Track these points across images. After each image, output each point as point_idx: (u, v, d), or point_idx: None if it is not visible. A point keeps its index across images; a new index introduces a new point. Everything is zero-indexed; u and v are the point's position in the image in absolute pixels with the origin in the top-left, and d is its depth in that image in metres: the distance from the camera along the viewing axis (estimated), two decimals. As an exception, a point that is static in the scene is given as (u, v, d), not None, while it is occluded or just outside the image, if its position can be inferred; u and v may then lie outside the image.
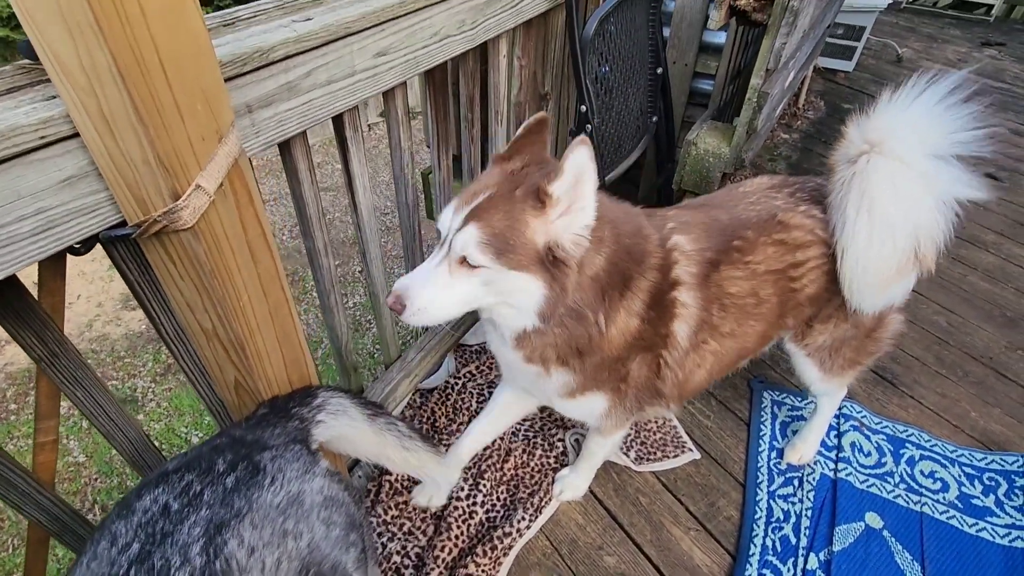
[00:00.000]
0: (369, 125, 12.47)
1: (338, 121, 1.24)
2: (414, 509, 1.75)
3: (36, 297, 0.89)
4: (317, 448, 1.02)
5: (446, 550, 1.64)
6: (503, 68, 1.74)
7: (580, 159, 0.93)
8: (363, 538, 0.94)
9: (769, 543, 1.71)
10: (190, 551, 0.72)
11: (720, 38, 2.32)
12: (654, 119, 2.44)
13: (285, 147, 1.16)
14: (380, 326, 1.83)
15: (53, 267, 0.91)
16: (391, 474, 1.79)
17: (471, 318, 2.17)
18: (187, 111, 0.73)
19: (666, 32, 2.40)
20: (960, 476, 1.91)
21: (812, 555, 1.68)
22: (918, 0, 6.42)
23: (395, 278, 1.12)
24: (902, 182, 1.25)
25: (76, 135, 0.70)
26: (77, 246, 0.85)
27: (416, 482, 1.80)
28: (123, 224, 0.80)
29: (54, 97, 0.69)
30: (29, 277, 0.84)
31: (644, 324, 1.20)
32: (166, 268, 0.87)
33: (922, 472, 1.92)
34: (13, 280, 0.82)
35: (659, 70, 2.31)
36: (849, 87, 4.53)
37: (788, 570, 1.65)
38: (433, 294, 1.05)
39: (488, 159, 1.98)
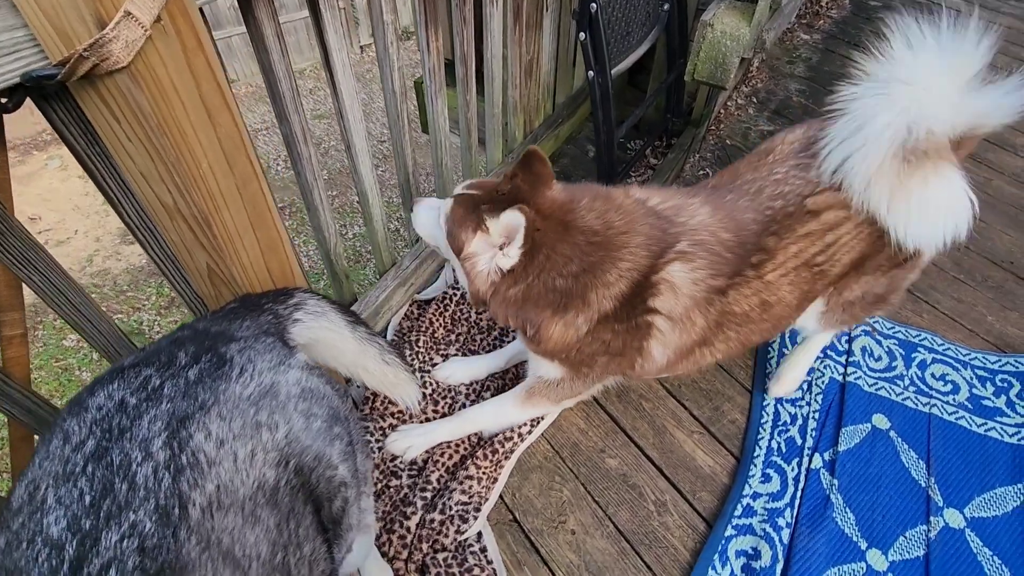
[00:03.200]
0: (361, 47, 11.83)
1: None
2: (410, 417, 1.72)
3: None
4: (295, 347, 0.94)
5: (445, 455, 1.62)
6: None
7: (512, 221, 1.14)
8: (350, 431, 0.89)
9: (775, 445, 1.69)
10: (152, 445, 0.65)
11: (742, -92, 2.06)
12: (665, 6, 2.21)
13: (247, 8, 1.01)
14: (371, 230, 1.73)
15: (-19, 129, 0.80)
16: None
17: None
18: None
19: (681, -97, 2.13)
20: (972, 378, 1.86)
21: (817, 455, 1.66)
22: None
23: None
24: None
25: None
26: (3, 100, 0.74)
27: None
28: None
29: None
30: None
31: (599, 334, 1.28)
32: (109, 127, 0.76)
33: (933, 375, 1.88)
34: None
35: (672, -53, 2.07)
36: (877, -17, 4.15)
37: (792, 469, 1.64)
38: (424, 220, 1.40)
39: (485, 42, 1.80)
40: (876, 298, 1.45)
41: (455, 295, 2.00)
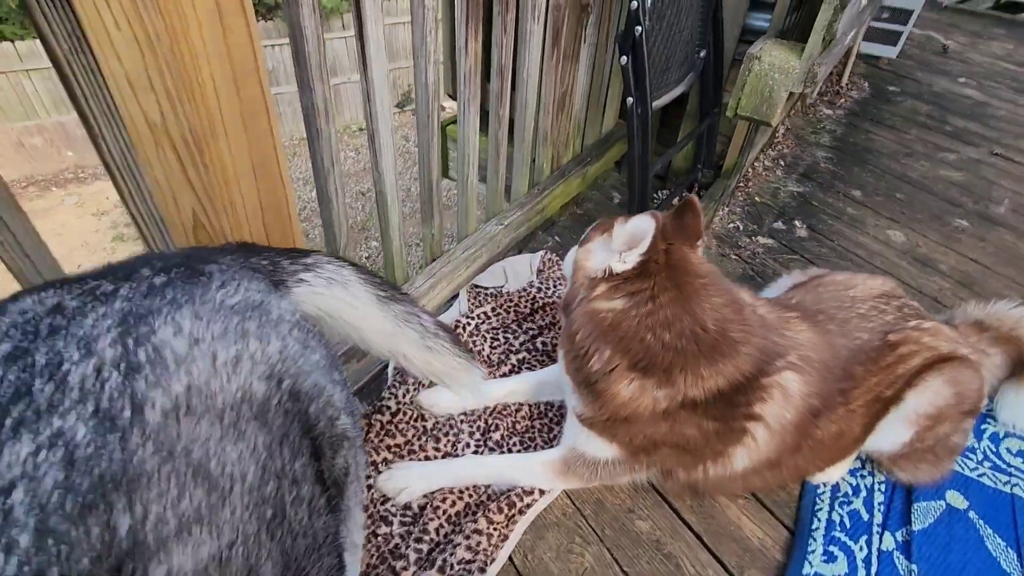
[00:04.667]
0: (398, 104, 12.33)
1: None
2: (408, 453, 1.48)
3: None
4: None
5: (447, 501, 1.36)
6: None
7: (644, 226, 1.12)
8: (350, 398, 0.69)
9: (836, 518, 1.42)
10: (96, 344, 0.49)
11: (782, -36, 2.08)
12: (702, 53, 2.19)
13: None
14: (386, 240, 1.57)
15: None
16: (382, 414, 1.52)
17: (487, 258, 1.91)
18: None
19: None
20: (1054, 458, 1.62)
21: (888, 534, 1.40)
22: (965, 2, 6.19)
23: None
24: None
25: None
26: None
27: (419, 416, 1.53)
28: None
29: None
30: None
31: (681, 423, 1.18)
32: (96, 9, 0.62)
33: (1009, 450, 1.64)
34: None
35: (712, -6, 2.06)
36: (893, 72, 4.28)
37: (861, 549, 1.37)
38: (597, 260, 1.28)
39: (521, 57, 1.73)
40: (949, 451, 1.40)
41: (468, 324, 1.81)
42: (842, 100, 3.76)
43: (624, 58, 1.72)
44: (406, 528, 1.31)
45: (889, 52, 4.45)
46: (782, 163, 3.01)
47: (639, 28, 1.65)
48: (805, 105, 3.63)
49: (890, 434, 1.34)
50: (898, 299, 1.43)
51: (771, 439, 1.22)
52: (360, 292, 0.88)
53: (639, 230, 1.13)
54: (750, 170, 2.88)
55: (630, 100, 1.78)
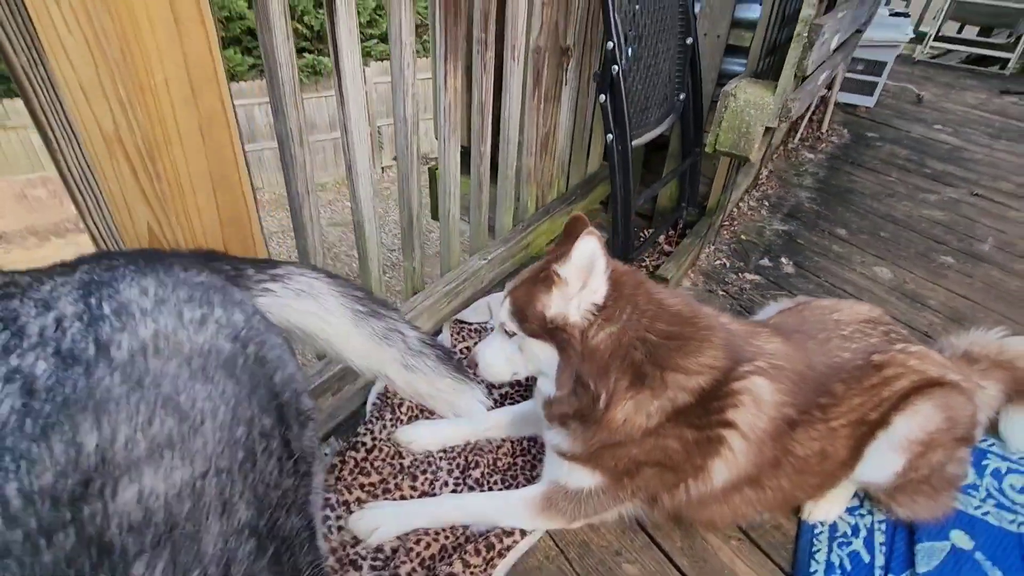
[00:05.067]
0: (383, 168, 12.63)
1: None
2: (384, 492, 1.40)
3: None
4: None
5: (422, 543, 1.28)
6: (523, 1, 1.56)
7: (587, 247, 1.06)
8: (309, 394, 0.67)
9: (835, 560, 1.34)
10: (56, 303, 0.52)
11: (754, 12, 2.18)
12: (681, 96, 2.25)
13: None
14: (364, 269, 1.55)
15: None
16: (357, 450, 1.45)
17: (471, 293, 1.89)
18: None
19: (697, 7, 2.26)
20: (1060, 495, 1.55)
21: (891, 577, 1.31)
22: (937, 57, 6.49)
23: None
24: None
25: None
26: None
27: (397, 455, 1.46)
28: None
29: None
30: None
31: (664, 436, 1.18)
32: (47, 10, 0.62)
33: (1012, 487, 1.57)
34: None
35: (689, 40, 2.14)
36: (872, 120, 4.42)
37: (863, 593, 1.28)
38: (491, 355, 1.25)
39: (503, 97, 1.77)
40: (946, 482, 1.35)
41: (450, 360, 1.76)
42: (823, 145, 3.86)
43: (603, 96, 1.76)
44: (376, 573, 1.22)
45: (867, 101, 4.62)
46: (767, 203, 3.04)
47: (615, 67, 1.70)
48: (787, 149, 3.72)
49: (881, 462, 1.28)
50: (885, 325, 1.41)
51: (747, 448, 1.19)
52: (333, 306, 0.85)
53: (586, 255, 1.07)
54: (735, 210, 2.91)
55: (609, 137, 1.81)
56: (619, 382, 1.14)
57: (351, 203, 1.40)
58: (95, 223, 0.84)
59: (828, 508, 1.43)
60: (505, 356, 1.23)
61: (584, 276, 1.09)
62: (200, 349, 0.54)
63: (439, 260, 1.89)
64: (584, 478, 1.26)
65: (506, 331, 1.20)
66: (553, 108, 2.08)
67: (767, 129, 1.78)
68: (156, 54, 0.65)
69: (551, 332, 1.13)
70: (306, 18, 10.77)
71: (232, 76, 10.29)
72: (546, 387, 1.24)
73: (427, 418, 1.59)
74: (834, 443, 1.25)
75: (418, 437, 1.50)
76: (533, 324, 1.14)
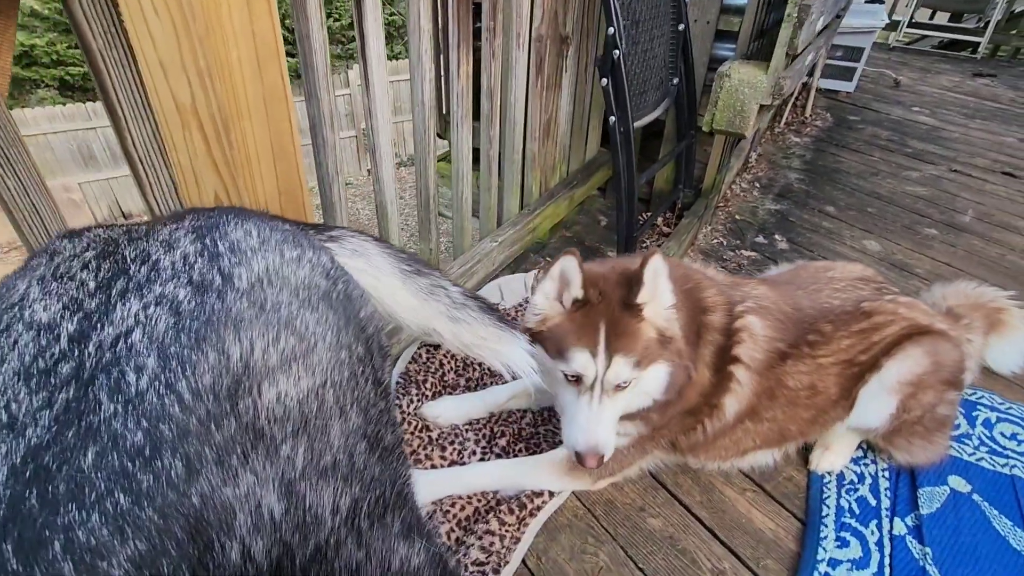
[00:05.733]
0: (368, 170, 12.59)
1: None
2: (415, 463, 1.46)
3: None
4: None
5: (457, 506, 1.34)
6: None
7: (655, 266, 1.12)
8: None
9: (845, 504, 1.43)
10: (177, 244, 0.60)
11: (742, -1, 2.27)
12: (675, 81, 2.34)
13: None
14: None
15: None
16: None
17: (483, 274, 1.95)
18: None
19: (687, -5, 2.34)
20: (1047, 440, 1.66)
21: (898, 519, 1.40)
22: (912, 43, 6.68)
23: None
24: None
25: None
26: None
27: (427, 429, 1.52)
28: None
29: None
30: None
31: (710, 379, 1.29)
32: (136, -4, 0.67)
33: (1003, 434, 1.67)
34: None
35: (681, 26, 2.23)
36: (853, 104, 4.56)
37: (872, 533, 1.37)
38: (609, 430, 1.19)
39: (507, 83, 1.83)
40: (938, 423, 1.42)
41: (468, 339, 1.83)
42: (808, 129, 3.98)
43: (604, 80, 1.84)
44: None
45: (847, 87, 4.76)
46: (758, 185, 3.15)
47: (616, 52, 1.78)
48: (774, 133, 3.83)
49: (875, 405, 1.37)
50: (877, 283, 1.51)
51: (750, 379, 1.30)
52: (383, 264, 0.91)
53: (651, 273, 1.13)
54: (729, 192, 3.01)
55: (612, 119, 1.88)
56: (694, 348, 1.26)
57: (374, 185, 1.45)
58: (156, 198, 0.89)
59: (833, 459, 1.52)
60: (616, 416, 1.20)
61: (654, 290, 1.15)
62: (303, 283, 0.61)
63: (453, 245, 1.95)
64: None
65: (621, 386, 1.16)
66: (554, 94, 2.15)
67: (761, 107, 1.88)
68: (232, 32, 0.71)
69: (662, 347, 1.17)
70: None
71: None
72: (638, 404, 1.23)
73: (450, 394, 1.66)
74: (824, 379, 1.35)
75: (444, 411, 1.56)
76: (649, 354, 1.15)
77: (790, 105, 4.04)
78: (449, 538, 1.27)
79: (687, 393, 1.27)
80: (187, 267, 0.57)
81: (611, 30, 1.76)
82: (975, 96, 4.92)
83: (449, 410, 1.57)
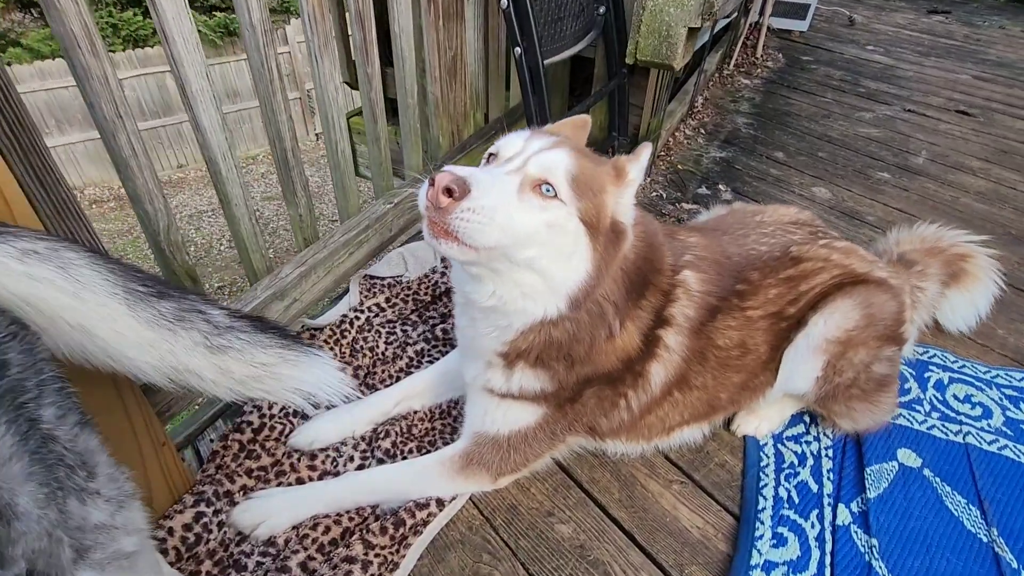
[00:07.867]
0: (316, 134, 11.93)
1: None
2: (277, 476, 1.20)
3: None
4: None
5: (319, 528, 1.10)
6: None
7: (647, 153, 0.97)
8: None
9: (783, 493, 1.24)
10: None
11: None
12: (601, 10, 2.02)
13: None
14: (232, 222, 1.30)
15: None
16: (242, 432, 1.24)
17: (377, 242, 1.66)
18: None
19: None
20: (1001, 399, 1.51)
21: (842, 506, 1.22)
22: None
23: None
24: None
25: None
26: None
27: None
28: None
29: None
30: None
31: (638, 344, 1.09)
32: None
33: (956, 397, 1.51)
34: None
35: (605, -58, 1.91)
36: (805, 43, 4.32)
37: (812, 526, 1.18)
38: (502, 200, 0.84)
39: (390, 7, 1.52)
40: (877, 383, 1.24)
41: (357, 319, 1.55)
42: (758, 71, 3.73)
43: (505, 1, 1.52)
44: (264, 570, 1.03)
45: (800, 26, 4.50)
46: (703, 131, 2.90)
47: (517, -35, 1.46)
48: (723, 76, 3.57)
49: (800, 366, 1.20)
50: (812, 226, 1.35)
51: (680, 342, 1.13)
52: (88, 277, 0.61)
53: (645, 163, 0.98)
54: (671, 139, 2.75)
55: (517, 51, 1.58)
56: (629, 305, 1.06)
57: (196, 136, 1.13)
58: None
59: (757, 423, 1.35)
60: (519, 218, 0.85)
61: (637, 176, 0.98)
62: None
63: (338, 208, 1.65)
64: (522, 415, 1.12)
65: (543, 193, 0.87)
66: (457, 27, 1.82)
67: (691, 31, 1.60)
68: None
69: (602, 231, 0.94)
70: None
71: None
72: (535, 304, 0.97)
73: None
74: (753, 336, 1.19)
75: (319, 435, 1.26)
76: (591, 206, 0.91)
77: (740, 46, 3.77)
78: (303, 570, 1.02)
79: (603, 350, 1.06)
80: None
81: (507, -64, 1.44)
82: (930, 33, 4.74)
83: (325, 432, 1.27)
